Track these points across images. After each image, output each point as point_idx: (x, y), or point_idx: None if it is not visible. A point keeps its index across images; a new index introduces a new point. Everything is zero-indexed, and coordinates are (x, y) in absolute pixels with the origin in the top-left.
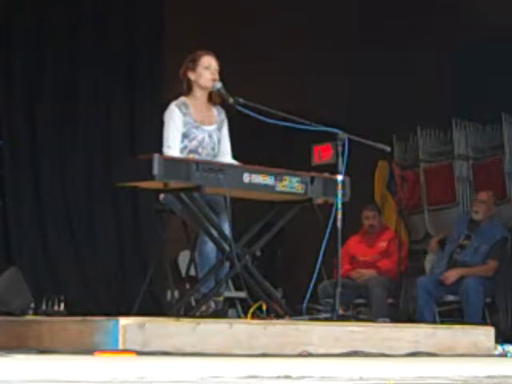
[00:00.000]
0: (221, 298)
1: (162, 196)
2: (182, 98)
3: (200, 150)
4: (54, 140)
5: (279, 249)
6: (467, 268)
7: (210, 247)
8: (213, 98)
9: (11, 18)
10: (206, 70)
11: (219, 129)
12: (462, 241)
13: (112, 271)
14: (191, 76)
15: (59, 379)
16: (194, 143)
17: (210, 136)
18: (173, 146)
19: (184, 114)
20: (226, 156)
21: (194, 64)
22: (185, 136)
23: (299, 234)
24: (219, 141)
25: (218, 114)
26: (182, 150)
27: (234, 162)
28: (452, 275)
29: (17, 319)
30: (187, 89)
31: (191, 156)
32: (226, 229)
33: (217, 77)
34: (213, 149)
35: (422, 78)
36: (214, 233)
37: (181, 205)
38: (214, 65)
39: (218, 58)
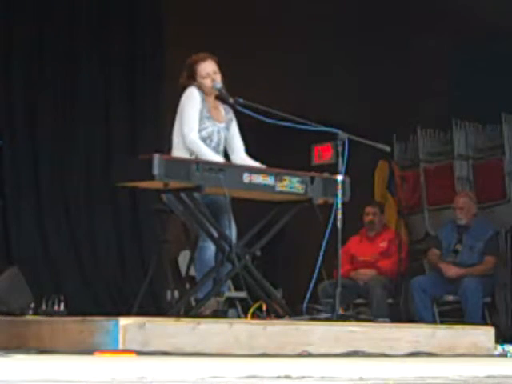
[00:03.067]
0: (222, 298)
1: (165, 196)
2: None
3: (208, 141)
4: (53, 140)
5: (279, 249)
6: (467, 268)
7: (210, 254)
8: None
9: (11, 19)
10: (206, 79)
11: (227, 128)
12: (454, 247)
13: (112, 271)
14: (193, 84)
15: (59, 379)
16: (203, 134)
17: (219, 132)
18: (194, 128)
19: (202, 100)
20: (240, 152)
21: (191, 73)
22: None
23: (299, 234)
24: (226, 139)
25: (225, 113)
26: None
27: (247, 158)
28: (452, 271)
29: (17, 319)
30: None
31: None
32: (227, 229)
33: (216, 79)
34: (218, 145)
35: (422, 78)
36: (215, 233)
37: (182, 206)
38: (211, 70)
39: (214, 55)
